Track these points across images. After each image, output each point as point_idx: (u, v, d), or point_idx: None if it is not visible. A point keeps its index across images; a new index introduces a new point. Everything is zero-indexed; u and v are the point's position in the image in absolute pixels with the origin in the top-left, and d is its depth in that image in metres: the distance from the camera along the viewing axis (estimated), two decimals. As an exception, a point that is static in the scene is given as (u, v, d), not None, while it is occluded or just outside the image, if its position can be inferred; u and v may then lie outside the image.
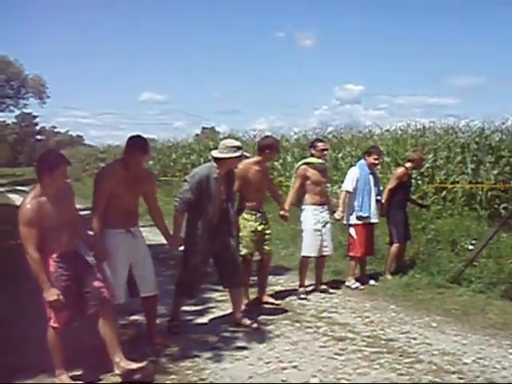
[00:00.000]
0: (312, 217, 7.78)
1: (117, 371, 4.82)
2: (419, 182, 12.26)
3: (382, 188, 8.89)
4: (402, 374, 5.00)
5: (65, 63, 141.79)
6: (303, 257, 7.91)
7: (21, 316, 6.52)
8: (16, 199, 26.07)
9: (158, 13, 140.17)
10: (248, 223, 6.99)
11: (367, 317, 6.83)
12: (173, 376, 5.04)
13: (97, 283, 4.87)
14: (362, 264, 8.70)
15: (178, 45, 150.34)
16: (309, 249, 7.81)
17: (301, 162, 8.06)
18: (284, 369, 5.20)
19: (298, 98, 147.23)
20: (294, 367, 5.24)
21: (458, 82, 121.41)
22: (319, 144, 8.02)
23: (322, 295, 7.90)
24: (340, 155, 14.95)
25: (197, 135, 34.20)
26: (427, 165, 12.48)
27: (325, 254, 7.93)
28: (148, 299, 5.70)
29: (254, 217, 7.05)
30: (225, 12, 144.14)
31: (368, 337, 6.07)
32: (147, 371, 4.91)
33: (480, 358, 5.39)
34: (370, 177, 8.49)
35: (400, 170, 9.07)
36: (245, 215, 7.03)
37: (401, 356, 5.47)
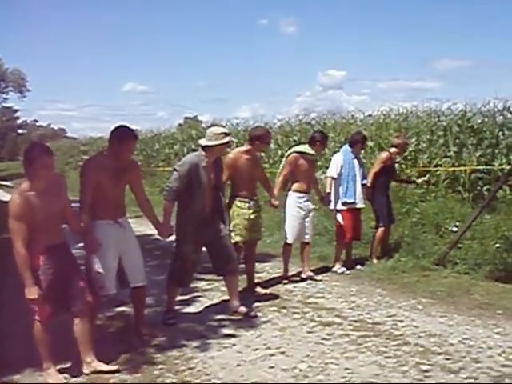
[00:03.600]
0: (296, 204, 7.79)
1: (85, 371, 4.83)
2: (403, 165, 12.30)
3: (366, 172, 8.90)
4: (389, 357, 5.03)
5: (45, 56, 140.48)
6: (286, 244, 7.91)
7: (6, 311, 6.49)
8: (0, 194, 25.87)
9: (139, 3, 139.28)
10: (241, 211, 6.98)
11: (353, 301, 6.86)
12: (161, 366, 5.03)
13: (82, 283, 4.86)
14: (348, 249, 8.74)
15: (160, 35, 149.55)
16: (291, 235, 7.83)
17: (292, 150, 8.03)
18: (272, 355, 5.21)
19: (281, 85, 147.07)
20: (282, 353, 5.25)
21: (440, 66, 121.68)
22: (320, 137, 8.04)
23: (308, 281, 7.92)
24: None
25: (180, 125, 34.08)
26: (410, 148, 12.51)
27: (305, 240, 7.96)
28: (137, 290, 5.64)
29: (247, 204, 7.03)
30: (207, 0, 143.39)
31: (355, 321, 6.10)
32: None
33: (466, 339, 5.43)
34: (355, 162, 8.50)
35: (384, 154, 9.10)
36: (238, 203, 7.01)
37: (387, 339, 5.50)
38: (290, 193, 7.87)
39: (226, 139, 6.18)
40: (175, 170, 6.15)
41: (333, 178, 8.41)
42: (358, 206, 8.52)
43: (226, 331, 5.85)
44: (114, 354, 5.25)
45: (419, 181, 10.10)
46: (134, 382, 4.71)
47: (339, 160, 8.49)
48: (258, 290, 7.38)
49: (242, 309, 6.36)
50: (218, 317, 6.37)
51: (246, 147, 7.21)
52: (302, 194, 7.84)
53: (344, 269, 8.39)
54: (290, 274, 8.03)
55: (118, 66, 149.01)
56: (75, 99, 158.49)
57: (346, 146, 8.66)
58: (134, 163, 5.81)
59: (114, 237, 5.32)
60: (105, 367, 4.84)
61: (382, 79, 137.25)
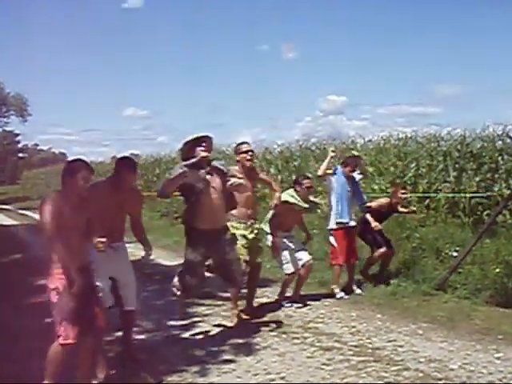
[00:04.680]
0: (285, 246, 7.79)
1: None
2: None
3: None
4: (389, 383, 5.01)
5: (46, 81, 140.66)
6: (287, 274, 7.89)
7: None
8: (0, 218, 25.92)
9: (140, 27, 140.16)
10: (238, 231, 6.90)
11: (353, 326, 6.84)
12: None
13: (97, 309, 4.79)
14: (350, 272, 8.73)
15: (160, 59, 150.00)
16: (290, 266, 7.80)
17: (288, 198, 7.75)
18: (272, 380, 5.20)
19: (281, 110, 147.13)
20: (282, 378, 5.23)
21: (441, 91, 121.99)
22: (305, 181, 7.90)
23: (308, 306, 7.90)
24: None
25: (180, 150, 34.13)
26: (410, 174, 12.57)
27: (307, 263, 7.93)
28: (126, 313, 5.65)
29: (242, 225, 7.00)
30: (208, 26, 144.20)
31: (355, 346, 6.08)
32: None
33: (466, 364, 5.41)
34: (347, 186, 8.51)
35: (384, 200, 9.13)
36: (233, 224, 6.91)
37: (388, 364, 5.48)
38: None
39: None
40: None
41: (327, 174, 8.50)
42: (351, 225, 8.52)
43: (225, 356, 5.83)
44: (114, 379, 5.26)
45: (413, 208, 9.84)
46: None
47: (333, 184, 8.53)
48: (242, 315, 7.26)
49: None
50: (218, 342, 6.35)
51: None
52: (287, 233, 7.89)
53: (342, 293, 8.38)
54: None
55: (119, 91, 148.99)
56: (76, 124, 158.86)
57: (339, 168, 8.67)
58: (136, 193, 5.90)
59: (104, 260, 5.25)
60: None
61: (383, 104, 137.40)
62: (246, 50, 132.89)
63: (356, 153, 10.43)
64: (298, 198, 7.77)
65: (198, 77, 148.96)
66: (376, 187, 12.73)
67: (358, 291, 8.58)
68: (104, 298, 5.22)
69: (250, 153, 7.11)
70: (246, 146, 7.20)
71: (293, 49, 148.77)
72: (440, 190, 11.98)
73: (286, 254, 7.76)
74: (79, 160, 4.80)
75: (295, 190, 7.88)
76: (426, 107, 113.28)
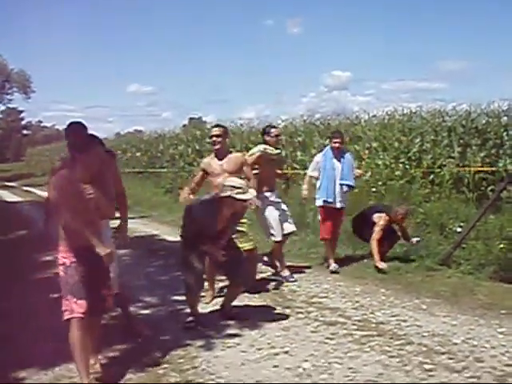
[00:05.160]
0: (269, 202, 7.81)
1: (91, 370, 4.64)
2: (407, 166, 12.29)
3: (356, 172, 8.83)
4: (392, 356, 5.03)
5: (50, 57, 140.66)
6: (276, 242, 7.92)
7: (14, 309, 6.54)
8: (5, 195, 25.98)
9: (144, 3, 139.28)
10: None
11: (357, 301, 6.87)
12: (165, 365, 5.06)
13: (106, 291, 4.69)
14: (329, 247, 8.77)
15: (165, 35, 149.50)
16: (277, 233, 7.84)
17: (256, 149, 7.89)
18: (276, 354, 5.23)
19: (286, 86, 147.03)
20: (286, 352, 5.27)
21: (446, 67, 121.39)
22: (273, 130, 8.07)
23: (312, 281, 7.94)
24: (327, 141, 14.91)
25: (184, 126, 34.11)
26: (414, 149, 12.53)
27: (290, 231, 8.05)
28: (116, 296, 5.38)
29: None
30: (212, 1, 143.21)
31: (358, 321, 6.11)
32: None
33: (469, 339, 5.43)
34: (334, 162, 8.46)
35: (385, 218, 8.73)
36: None
37: (391, 338, 5.51)
38: (261, 195, 7.64)
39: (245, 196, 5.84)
40: (188, 215, 6.00)
41: (311, 177, 8.65)
42: (337, 206, 8.51)
43: (230, 331, 5.86)
44: (118, 353, 5.32)
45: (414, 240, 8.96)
46: (139, 382, 4.73)
47: (318, 160, 8.64)
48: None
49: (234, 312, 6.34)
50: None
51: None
52: (271, 193, 7.93)
53: (336, 265, 8.49)
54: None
55: (123, 67, 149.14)
56: (80, 100, 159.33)
57: (328, 146, 8.68)
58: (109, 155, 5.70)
59: None
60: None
61: (387, 80, 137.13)
62: (250, 25, 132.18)
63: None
64: (268, 147, 7.84)
65: (202, 53, 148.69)
66: (380, 162, 12.69)
67: (333, 267, 8.53)
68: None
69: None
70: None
71: (298, 24, 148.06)
72: (444, 166, 11.94)
73: (272, 214, 7.80)
74: (92, 137, 4.72)
75: (264, 141, 7.99)
76: (430, 83, 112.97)
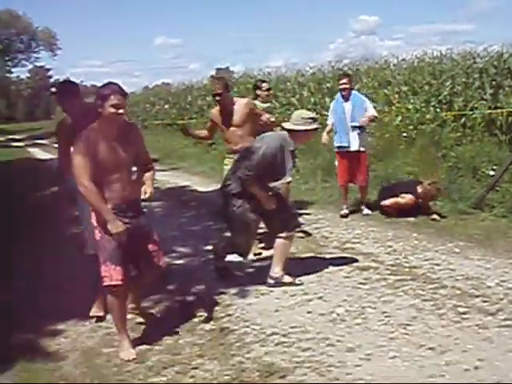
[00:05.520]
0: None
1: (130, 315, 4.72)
2: (438, 109, 12.10)
3: (369, 113, 8.48)
4: (426, 300, 5.04)
5: (75, 13, 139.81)
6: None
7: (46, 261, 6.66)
8: (36, 153, 26.23)
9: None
10: (226, 167, 6.42)
11: (390, 246, 6.87)
12: (200, 313, 5.13)
13: (152, 246, 4.52)
14: (360, 193, 8.85)
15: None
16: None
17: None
18: (309, 300, 5.27)
19: (313, 33, 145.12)
20: (320, 298, 5.30)
21: (475, 7, 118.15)
22: (264, 84, 7.92)
23: (344, 227, 7.94)
24: (356, 87, 14.73)
25: (212, 76, 33.88)
26: (445, 92, 12.30)
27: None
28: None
29: (232, 160, 6.27)
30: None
31: (392, 265, 6.11)
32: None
33: (503, 281, 5.41)
34: (344, 105, 8.43)
35: (408, 197, 8.31)
36: (224, 160, 6.69)
37: (424, 282, 5.51)
38: None
39: (314, 125, 5.73)
40: (257, 152, 5.52)
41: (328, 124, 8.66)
42: (351, 149, 8.44)
43: (263, 278, 5.89)
44: (152, 303, 5.42)
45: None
46: (174, 331, 4.79)
47: (331, 107, 8.72)
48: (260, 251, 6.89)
49: (286, 278, 5.76)
50: (257, 264, 6.43)
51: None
52: None
53: (346, 211, 8.67)
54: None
55: (149, 21, 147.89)
56: (106, 56, 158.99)
57: (339, 92, 8.66)
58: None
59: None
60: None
61: (416, 23, 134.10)
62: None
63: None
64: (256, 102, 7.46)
65: (228, 2, 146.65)
66: (410, 107, 12.50)
67: (366, 211, 8.63)
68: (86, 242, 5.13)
69: (217, 97, 6.54)
70: (214, 88, 6.66)
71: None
72: (476, 108, 11.72)
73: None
74: (109, 83, 4.32)
75: (256, 95, 7.85)
76: (460, 25, 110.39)
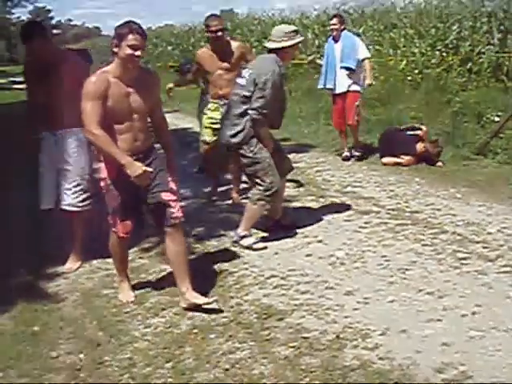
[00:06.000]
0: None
1: (182, 304, 4.16)
2: (443, 54, 11.91)
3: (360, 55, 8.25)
4: (426, 245, 5.03)
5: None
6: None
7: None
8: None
9: None
10: (211, 114, 6.41)
11: (391, 190, 6.83)
12: (199, 255, 5.13)
13: (166, 195, 4.06)
14: (353, 134, 8.74)
15: None
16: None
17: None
18: (309, 243, 5.27)
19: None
20: (319, 241, 5.30)
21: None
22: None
23: (346, 170, 7.90)
24: (361, 30, 14.52)
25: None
26: (452, 36, 12.10)
27: None
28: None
29: (216, 105, 6.34)
30: None
31: (392, 209, 6.09)
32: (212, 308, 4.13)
33: (504, 228, 5.38)
34: (335, 46, 8.30)
35: (408, 158, 8.06)
36: (208, 105, 6.55)
37: (425, 227, 5.49)
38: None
39: (299, 38, 5.30)
40: (267, 84, 5.03)
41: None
42: (337, 92, 8.36)
43: (263, 221, 5.86)
44: (152, 245, 5.41)
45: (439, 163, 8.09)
46: (171, 270, 4.79)
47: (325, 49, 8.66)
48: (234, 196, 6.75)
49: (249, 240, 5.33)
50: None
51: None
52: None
53: (347, 153, 8.62)
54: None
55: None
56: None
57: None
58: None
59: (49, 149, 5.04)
60: (200, 300, 4.09)
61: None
62: None
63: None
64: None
65: None
66: (416, 50, 12.32)
67: (355, 153, 8.61)
68: (42, 196, 5.06)
69: (218, 33, 6.20)
70: (214, 23, 6.23)
71: None
72: (483, 53, 11.54)
73: None
74: (128, 22, 3.93)
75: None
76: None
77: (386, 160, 8.13)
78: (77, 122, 4.41)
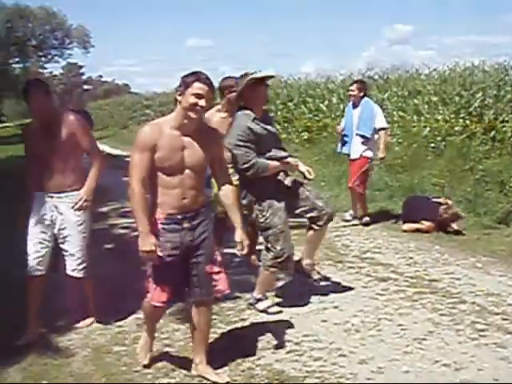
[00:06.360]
0: None
1: (193, 371, 4.06)
2: (467, 121, 11.92)
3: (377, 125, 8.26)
4: (444, 315, 4.95)
5: (108, 12, 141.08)
6: None
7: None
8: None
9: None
10: None
11: (411, 257, 6.76)
12: (214, 316, 5.06)
13: (210, 268, 3.86)
14: (353, 197, 8.69)
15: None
16: None
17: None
18: (325, 309, 5.21)
19: (346, 40, 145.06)
20: (335, 307, 5.24)
21: (510, 20, 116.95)
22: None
23: (366, 236, 7.85)
24: (386, 96, 14.62)
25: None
26: (475, 104, 12.13)
27: None
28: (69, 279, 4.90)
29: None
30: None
31: (411, 277, 6.01)
32: None
33: (525, 299, 5.28)
34: (353, 112, 8.37)
35: (428, 224, 7.96)
36: None
37: (444, 296, 5.40)
38: None
39: (251, 75, 4.94)
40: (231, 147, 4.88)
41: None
42: (352, 157, 8.40)
43: (280, 284, 5.82)
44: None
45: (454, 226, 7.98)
46: (187, 332, 4.74)
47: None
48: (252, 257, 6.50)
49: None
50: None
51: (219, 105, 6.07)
52: None
53: (348, 216, 8.67)
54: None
55: (182, 21, 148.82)
56: (139, 55, 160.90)
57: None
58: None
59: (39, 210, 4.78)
60: (212, 376, 3.94)
61: (450, 34, 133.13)
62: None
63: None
64: None
65: (261, 4, 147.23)
66: (439, 117, 12.35)
67: (348, 216, 8.71)
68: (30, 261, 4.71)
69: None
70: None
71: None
72: (507, 121, 11.53)
73: None
74: (196, 72, 3.72)
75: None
76: (495, 36, 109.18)
77: (406, 226, 8.06)
78: (74, 183, 4.64)
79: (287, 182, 5.19)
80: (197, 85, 3.61)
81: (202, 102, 3.62)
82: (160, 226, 3.73)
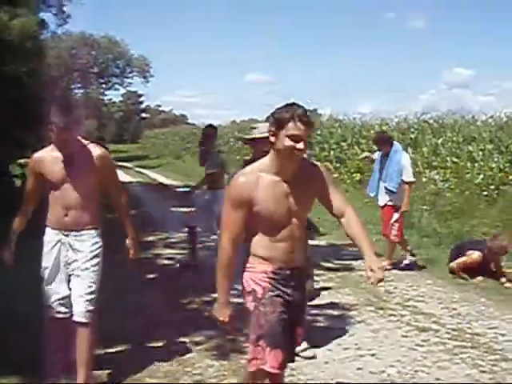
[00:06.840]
0: None
1: None
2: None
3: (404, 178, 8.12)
4: (484, 372, 4.77)
5: (170, 43, 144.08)
6: None
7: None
8: (119, 175, 26.83)
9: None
10: None
11: (454, 308, 6.57)
12: (244, 356, 5.02)
13: (299, 330, 3.55)
14: (390, 245, 8.56)
15: (285, 24, 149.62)
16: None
17: None
18: (361, 356, 5.10)
19: (405, 81, 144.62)
20: (373, 355, 5.13)
21: None
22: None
23: (410, 283, 7.69)
24: (440, 141, 14.48)
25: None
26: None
27: None
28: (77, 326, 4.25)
29: None
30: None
31: (453, 329, 5.84)
32: None
33: None
34: (382, 161, 8.34)
35: (476, 254, 7.85)
36: None
37: (486, 352, 5.22)
38: None
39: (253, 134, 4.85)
40: None
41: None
42: (380, 204, 8.44)
43: (318, 324, 5.73)
44: (205, 339, 5.34)
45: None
46: (220, 369, 4.72)
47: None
48: None
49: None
50: (313, 311, 6.26)
51: None
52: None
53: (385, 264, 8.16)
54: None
55: (243, 56, 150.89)
56: (198, 86, 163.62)
57: None
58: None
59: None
60: None
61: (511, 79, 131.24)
62: (371, 16, 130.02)
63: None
64: None
65: (322, 43, 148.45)
66: (494, 165, 12.15)
67: (404, 261, 8.55)
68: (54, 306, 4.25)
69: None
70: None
71: (420, 17, 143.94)
72: None
73: None
74: (292, 105, 3.18)
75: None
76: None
77: (453, 263, 7.95)
78: (91, 221, 4.26)
79: None
80: (292, 125, 3.09)
81: (301, 145, 3.11)
82: (269, 280, 3.28)
